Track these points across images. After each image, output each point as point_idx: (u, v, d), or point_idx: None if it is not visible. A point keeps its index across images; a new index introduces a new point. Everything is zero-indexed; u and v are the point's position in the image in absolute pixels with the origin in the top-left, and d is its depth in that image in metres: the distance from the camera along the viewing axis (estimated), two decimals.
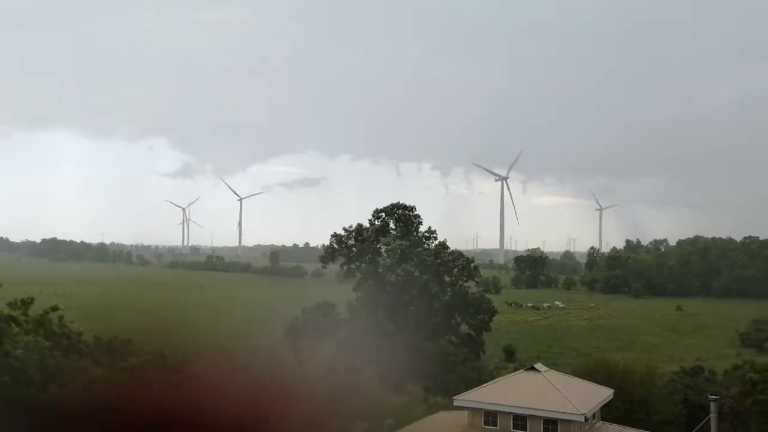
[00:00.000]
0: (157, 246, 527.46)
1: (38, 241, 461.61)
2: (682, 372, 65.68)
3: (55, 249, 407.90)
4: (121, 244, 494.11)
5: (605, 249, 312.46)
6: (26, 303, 41.18)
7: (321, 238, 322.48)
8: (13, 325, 39.07)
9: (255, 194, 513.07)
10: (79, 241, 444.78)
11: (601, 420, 43.23)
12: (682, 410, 56.59)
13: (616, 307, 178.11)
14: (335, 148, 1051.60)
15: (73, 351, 40.41)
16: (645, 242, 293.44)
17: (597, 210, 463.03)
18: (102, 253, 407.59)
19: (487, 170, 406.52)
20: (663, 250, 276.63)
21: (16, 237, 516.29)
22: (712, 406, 43.63)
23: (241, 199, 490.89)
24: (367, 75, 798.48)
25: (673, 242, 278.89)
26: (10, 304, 40.23)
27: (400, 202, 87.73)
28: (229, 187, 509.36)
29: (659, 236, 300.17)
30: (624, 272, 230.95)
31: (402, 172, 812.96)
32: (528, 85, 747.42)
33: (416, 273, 79.69)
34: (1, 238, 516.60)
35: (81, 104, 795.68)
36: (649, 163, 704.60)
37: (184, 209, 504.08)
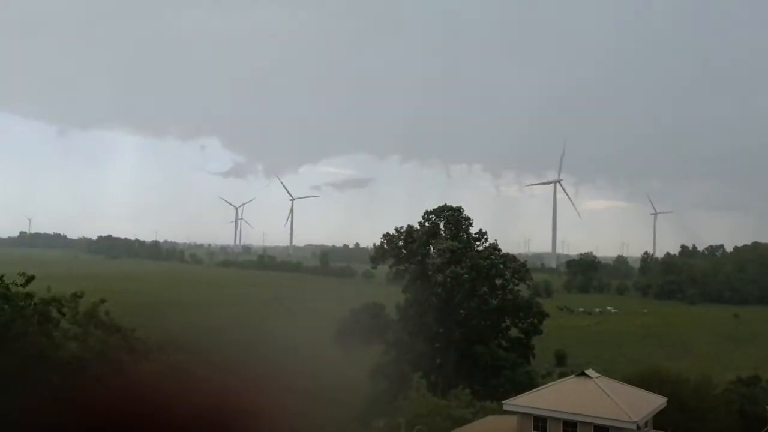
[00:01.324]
0: (209, 244, 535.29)
1: (94, 238, 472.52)
2: (738, 381, 64.06)
3: (110, 246, 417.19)
4: (174, 242, 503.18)
5: (659, 254, 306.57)
6: (77, 296, 42.45)
7: (370, 239, 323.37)
8: (61, 317, 40.26)
9: (307, 197, 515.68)
10: (133, 238, 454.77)
11: (654, 428, 42.42)
12: (737, 421, 55.24)
13: (670, 314, 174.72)
14: (385, 150, 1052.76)
15: (126, 346, 41.41)
16: (700, 248, 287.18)
17: (652, 214, 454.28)
18: (155, 251, 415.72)
19: (540, 183, 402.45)
20: (719, 256, 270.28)
21: (73, 234, 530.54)
22: None
23: (292, 200, 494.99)
24: (418, 76, 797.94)
25: (729, 248, 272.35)
26: (60, 299, 41.39)
27: (449, 204, 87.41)
28: (284, 186, 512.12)
29: (715, 242, 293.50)
30: (678, 278, 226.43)
31: (451, 173, 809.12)
32: (581, 86, 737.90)
33: (466, 275, 79.26)
34: (60, 235, 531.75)
35: (135, 104, 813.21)
36: (705, 166, 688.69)
37: (236, 208, 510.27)
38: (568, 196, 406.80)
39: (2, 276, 39.83)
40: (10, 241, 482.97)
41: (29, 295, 39.40)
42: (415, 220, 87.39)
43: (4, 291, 38.62)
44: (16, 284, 39.92)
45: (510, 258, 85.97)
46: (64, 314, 41.09)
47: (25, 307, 38.70)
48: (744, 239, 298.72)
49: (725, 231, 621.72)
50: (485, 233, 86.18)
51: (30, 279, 40.56)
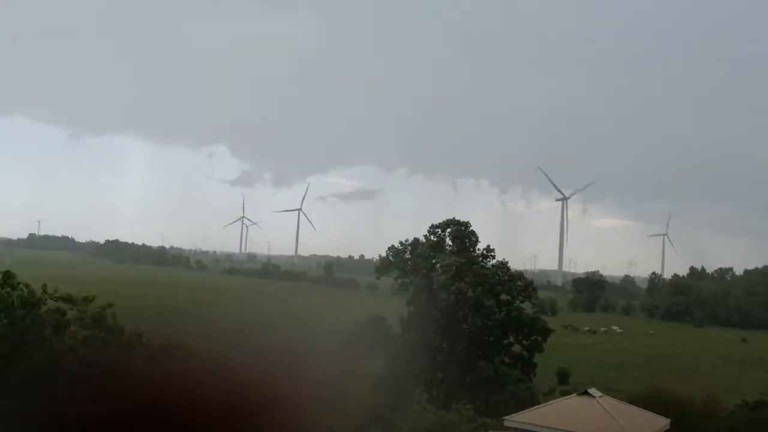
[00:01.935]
0: (215, 251, 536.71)
1: (102, 242, 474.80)
2: (744, 406, 63.27)
3: (117, 251, 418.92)
4: (180, 249, 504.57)
5: (667, 275, 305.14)
6: (88, 300, 42.20)
7: (375, 251, 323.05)
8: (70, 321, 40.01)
9: (304, 196, 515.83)
10: (140, 243, 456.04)
11: None
12: None
13: (677, 336, 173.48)
14: (392, 162, 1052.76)
15: (132, 350, 41.16)
16: (710, 270, 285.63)
17: (660, 235, 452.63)
18: (161, 256, 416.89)
19: (553, 184, 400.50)
20: (729, 279, 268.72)
21: (81, 237, 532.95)
22: None
23: (300, 210, 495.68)
24: (425, 89, 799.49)
25: (739, 272, 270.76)
26: (70, 300, 41.17)
27: (455, 218, 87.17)
28: (285, 210, 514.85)
29: (725, 264, 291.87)
30: (686, 300, 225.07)
31: (458, 188, 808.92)
32: (590, 104, 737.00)
33: (470, 293, 78.86)
34: (68, 237, 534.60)
35: (146, 110, 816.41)
36: (716, 187, 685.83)
37: (243, 216, 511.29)
38: (565, 216, 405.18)
39: (27, 284, 39.46)
40: (20, 243, 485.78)
41: (42, 302, 39.08)
42: (420, 233, 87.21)
43: (28, 298, 38.32)
44: (47, 294, 39.66)
45: (517, 276, 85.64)
46: (64, 322, 40.87)
47: (43, 315, 38.47)
48: (755, 263, 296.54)
49: (735, 254, 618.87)
50: (492, 250, 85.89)
51: (66, 298, 40.31)
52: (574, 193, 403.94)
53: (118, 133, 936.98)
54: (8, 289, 38.22)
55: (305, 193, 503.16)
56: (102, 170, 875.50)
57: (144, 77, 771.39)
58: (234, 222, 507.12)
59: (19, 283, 38.68)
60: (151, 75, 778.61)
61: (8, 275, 38.55)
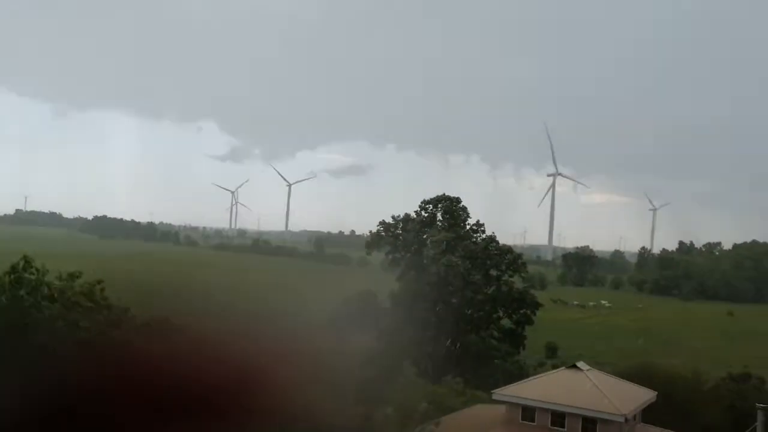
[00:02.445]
0: (204, 227, 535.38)
1: (90, 218, 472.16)
2: (729, 378, 64.04)
3: (105, 227, 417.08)
4: (170, 224, 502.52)
5: (656, 250, 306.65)
6: (74, 276, 41.97)
7: (366, 226, 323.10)
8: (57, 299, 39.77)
9: (303, 180, 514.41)
10: (128, 219, 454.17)
11: (642, 422, 42.37)
12: (727, 416, 55.16)
13: (665, 309, 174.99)
14: (383, 138, 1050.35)
15: (119, 325, 41.05)
16: (698, 245, 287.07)
17: (650, 210, 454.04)
18: (150, 232, 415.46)
19: (557, 170, 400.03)
20: (717, 253, 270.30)
21: (69, 213, 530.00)
22: (759, 415, 42.36)
23: (289, 185, 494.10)
24: (417, 65, 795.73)
25: (728, 246, 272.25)
26: (57, 277, 40.92)
27: (446, 194, 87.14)
28: (279, 173, 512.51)
29: (713, 239, 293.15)
30: (675, 274, 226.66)
31: (449, 164, 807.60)
32: (581, 82, 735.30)
33: (459, 264, 79.04)
34: (55, 213, 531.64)
35: (133, 85, 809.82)
36: (704, 162, 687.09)
37: (232, 192, 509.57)
38: (553, 190, 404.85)
39: (31, 262, 39.02)
40: (6, 219, 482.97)
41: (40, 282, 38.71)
42: (411, 208, 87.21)
43: (29, 279, 37.92)
44: (61, 279, 39.35)
45: (506, 249, 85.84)
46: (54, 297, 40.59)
47: (45, 295, 38.13)
48: (743, 237, 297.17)
49: (724, 229, 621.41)
50: (482, 225, 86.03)
51: (75, 275, 39.98)
52: (559, 174, 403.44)
53: (104, 108, 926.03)
54: (30, 274, 37.94)
55: (306, 178, 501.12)
56: (89, 146, 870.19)
57: (130, 51, 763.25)
58: (229, 207, 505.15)
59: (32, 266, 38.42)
60: (137, 49, 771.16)
61: (28, 260, 38.34)
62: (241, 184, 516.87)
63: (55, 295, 38.97)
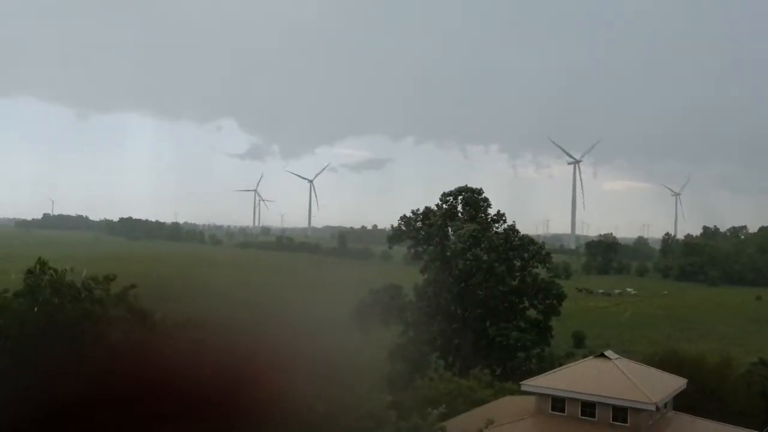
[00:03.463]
0: (228, 226, 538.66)
1: (115, 220, 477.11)
2: (760, 363, 63.31)
3: (131, 228, 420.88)
4: (194, 224, 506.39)
5: (680, 235, 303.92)
6: (109, 279, 42.35)
7: (387, 220, 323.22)
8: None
9: (321, 171, 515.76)
10: (153, 220, 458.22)
11: (673, 410, 42.12)
12: (759, 402, 54.66)
13: (691, 296, 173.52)
14: (400, 131, 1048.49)
15: (154, 329, 41.39)
16: (723, 229, 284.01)
17: (673, 195, 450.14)
18: (175, 232, 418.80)
19: (563, 150, 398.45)
20: (742, 237, 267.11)
21: (95, 216, 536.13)
22: None
23: (311, 182, 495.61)
24: (433, 57, 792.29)
25: (753, 230, 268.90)
26: (93, 279, 41.25)
27: (468, 186, 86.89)
28: (296, 174, 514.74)
29: (738, 223, 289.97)
30: (700, 259, 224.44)
31: (468, 154, 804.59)
32: (598, 67, 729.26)
33: (485, 257, 78.87)
34: (82, 216, 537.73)
35: (152, 86, 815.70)
36: (728, 146, 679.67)
37: (255, 191, 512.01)
38: (581, 179, 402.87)
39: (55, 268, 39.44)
40: (35, 223, 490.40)
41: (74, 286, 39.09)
42: (431, 200, 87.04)
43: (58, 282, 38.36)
44: (93, 282, 39.74)
45: (528, 240, 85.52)
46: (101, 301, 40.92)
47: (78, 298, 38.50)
48: None
49: (749, 212, 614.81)
50: (504, 215, 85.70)
51: (110, 278, 40.36)
52: (584, 155, 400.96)
53: (125, 111, 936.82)
54: (45, 274, 38.36)
55: (322, 169, 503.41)
56: (111, 148, 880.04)
57: (148, 53, 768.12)
58: (250, 191, 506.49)
59: (50, 268, 38.79)
60: (155, 51, 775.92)
61: (42, 262, 38.75)
62: (259, 180, 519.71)
63: (82, 295, 39.40)
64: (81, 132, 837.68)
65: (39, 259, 38.44)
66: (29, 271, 37.89)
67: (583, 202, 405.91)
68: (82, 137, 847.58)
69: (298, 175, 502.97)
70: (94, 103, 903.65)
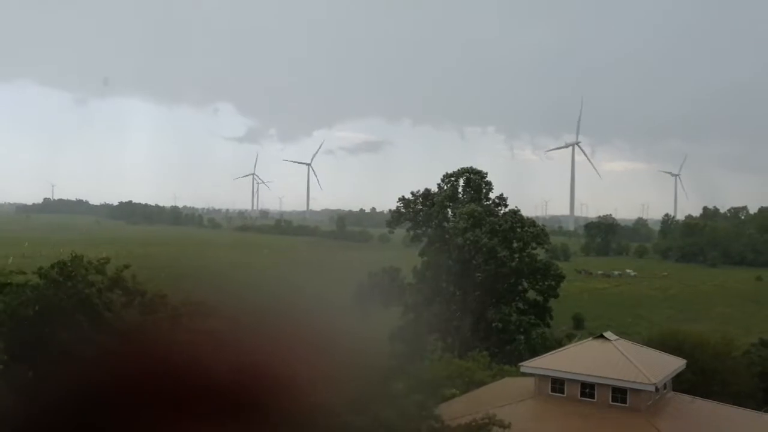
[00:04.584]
0: (227, 209, 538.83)
1: (115, 204, 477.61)
2: (760, 344, 63.39)
3: (131, 212, 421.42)
4: (193, 208, 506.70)
5: (680, 216, 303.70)
6: (103, 263, 42.16)
7: (385, 203, 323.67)
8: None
9: (317, 152, 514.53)
10: (153, 204, 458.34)
11: (673, 391, 42.11)
12: (759, 383, 54.75)
13: (691, 277, 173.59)
14: (397, 113, 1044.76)
15: (152, 311, 41.27)
16: (723, 209, 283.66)
17: (672, 176, 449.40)
18: (175, 216, 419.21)
19: (559, 148, 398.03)
20: (743, 218, 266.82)
21: (95, 200, 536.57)
22: None
23: (309, 164, 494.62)
24: (428, 38, 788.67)
25: (753, 210, 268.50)
26: (89, 264, 41.04)
27: (471, 167, 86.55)
28: (293, 161, 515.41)
29: (738, 203, 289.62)
30: (700, 240, 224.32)
31: (465, 136, 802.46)
32: (597, 46, 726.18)
33: (485, 240, 78.71)
34: (82, 201, 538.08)
35: (150, 71, 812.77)
36: (726, 125, 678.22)
37: (253, 175, 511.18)
38: (588, 158, 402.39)
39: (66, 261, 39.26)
40: (35, 208, 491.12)
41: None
42: (428, 182, 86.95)
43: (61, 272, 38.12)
44: (90, 264, 39.51)
45: (529, 222, 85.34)
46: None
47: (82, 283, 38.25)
48: None
49: (750, 192, 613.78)
50: (505, 198, 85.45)
51: (106, 261, 40.17)
52: (578, 143, 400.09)
53: (122, 95, 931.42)
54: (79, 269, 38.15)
55: (318, 149, 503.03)
56: (110, 133, 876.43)
57: (144, 37, 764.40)
58: (245, 176, 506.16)
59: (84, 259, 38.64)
60: (151, 34, 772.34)
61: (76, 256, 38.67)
62: (255, 162, 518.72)
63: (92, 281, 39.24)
64: (80, 116, 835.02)
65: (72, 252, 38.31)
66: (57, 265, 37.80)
67: (597, 173, 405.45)
68: (82, 121, 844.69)
69: (296, 161, 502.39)
70: (90, 87, 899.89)
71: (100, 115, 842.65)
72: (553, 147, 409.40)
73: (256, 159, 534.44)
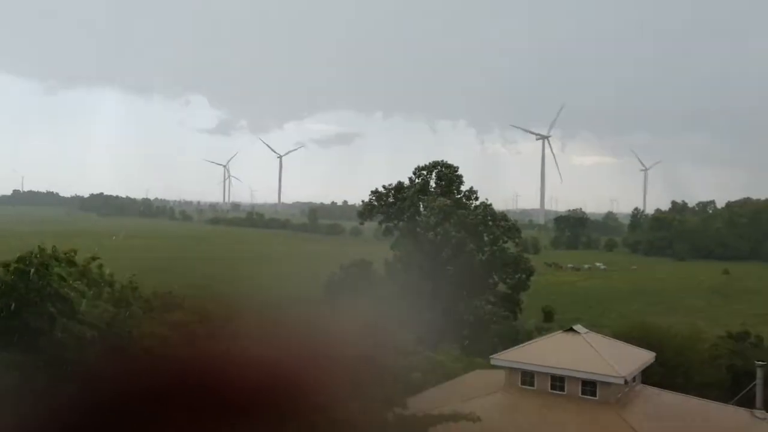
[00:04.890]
0: (198, 202, 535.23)
1: (86, 196, 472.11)
2: (727, 337, 64.07)
3: (102, 204, 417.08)
4: (164, 200, 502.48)
5: (649, 210, 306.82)
6: (69, 255, 41.21)
7: (357, 196, 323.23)
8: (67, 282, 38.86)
9: (293, 150, 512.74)
10: (124, 196, 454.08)
11: (642, 383, 42.29)
12: (725, 375, 55.29)
13: (659, 270, 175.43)
14: (369, 106, 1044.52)
15: (123, 303, 40.53)
16: (691, 204, 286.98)
17: (641, 170, 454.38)
18: (146, 208, 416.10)
19: (526, 130, 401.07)
20: (710, 212, 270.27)
21: (65, 192, 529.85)
22: (759, 373, 42.32)
23: (280, 157, 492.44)
24: (398, 30, 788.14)
25: (721, 204, 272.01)
26: (55, 258, 40.08)
27: (443, 161, 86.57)
28: (268, 146, 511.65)
29: (706, 197, 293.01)
30: (668, 234, 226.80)
31: (436, 129, 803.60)
32: (564, 40, 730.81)
33: (454, 233, 78.72)
34: (52, 192, 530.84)
35: (120, 61, 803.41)
36: (694, 119, 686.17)
37: (224, 166, 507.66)
38: (553, 154, 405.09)
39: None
40: (5, 199, 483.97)
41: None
42: (400, 175, 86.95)
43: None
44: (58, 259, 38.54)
45: (501, 216, 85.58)
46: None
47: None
48: (736, 195, 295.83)
49: (717, 186, 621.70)
50: (476, 192, 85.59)
51: (74, 252, 39.19)
52: (551, 128, 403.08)
53: (92, 85, 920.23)
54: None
55: (291, 150, 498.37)
56: (80, 123, 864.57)
57: (115, 26, 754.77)
58: (220, 183, 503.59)
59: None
60: (121, 24, 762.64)
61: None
62: (231, 158, 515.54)
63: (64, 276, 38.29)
64: (50, 107, 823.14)
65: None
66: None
67: (559, 175, 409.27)
68: (52, 112, 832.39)
69: (270, 148, 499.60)
70: (60, 77, 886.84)
71: (70, 106, 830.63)
72: (520, 127, 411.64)
73: (233, 156, 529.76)
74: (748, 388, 45.27)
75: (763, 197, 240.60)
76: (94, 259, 43.48)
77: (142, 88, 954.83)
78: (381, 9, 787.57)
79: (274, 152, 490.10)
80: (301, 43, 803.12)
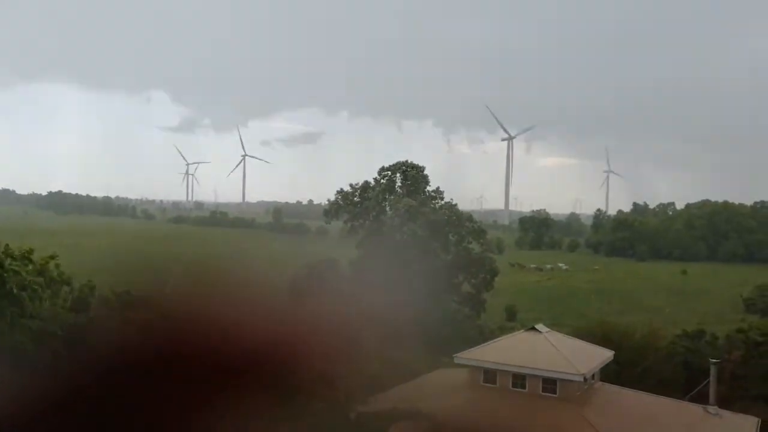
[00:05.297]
0: (161, 200, 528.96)
1: (44, 194, 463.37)
2: (684, 335, 65.54)
3: (61, 202, 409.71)
4: (126, 198, 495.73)
5: (612, 212, 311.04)
6: (26, 255, 40.91)
7: (323, 195, 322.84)
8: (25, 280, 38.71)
9: (259, 158, 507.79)
10: (84, 194, 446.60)
11: (600, 381, 43.23)
12: (681, 372, 56.61)
13: (620, 270, 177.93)
14: (335, 105, 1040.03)
15: (82, 302, 40.38)
16: (653, 206, 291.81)
17: (605, 172, 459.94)
18: (107, 206, 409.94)
19: (500, 124, 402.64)
20: (671, 213, 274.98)
21: (23, 190, 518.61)
22: (712, 370, 43.57)
23: (244, 156, 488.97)
24: (363, 28, 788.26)
25: (681, 206, 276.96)
26: (10, 256, 39.86)
27: (408, 161, 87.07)
28: (240, 142, 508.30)
29: (668, 200, 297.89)
30: (629, 235, 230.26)
31: (403, 129, 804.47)
32: (530, 41, 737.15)
33: (419, 233, 79.32)
34: (9, 190, 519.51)
35: (79, 56, 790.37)
36: (658, 123, 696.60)
37: (187, 164, 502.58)
38: (510, 156, 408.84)
39: None
40: None
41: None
42: (366, 175, 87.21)
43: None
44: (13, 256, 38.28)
45: (466, 217, 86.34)
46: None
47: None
48: (697, 197, 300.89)
49: (679, 188, 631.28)
50: (442, 192, 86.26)
51: (29, 251, 38.91)
52: (520, 133, 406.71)
53: (49, 80, 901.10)
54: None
55: (256, 157, 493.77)
56: (36, 119, 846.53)
57: (73, 20, 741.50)
58: (182, 173, 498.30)
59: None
60: (80, 17, 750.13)
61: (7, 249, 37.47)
62: (198, 164, 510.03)
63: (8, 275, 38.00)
64: (6, 102, 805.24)
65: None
66: None
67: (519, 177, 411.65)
68: (7, 107, 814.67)
69: (242, 143, 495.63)
70: (15, 70, 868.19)
71: (26, 101, 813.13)
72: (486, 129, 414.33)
73: (199, 163, 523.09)
74: (702, 385, 46.55)
75: (720, 199, 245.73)
76: (52, 258, 43.18)
77: (102, 84, 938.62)
78: (345, 7, 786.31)
79: (243, 149, 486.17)
80: (267, 41, 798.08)
